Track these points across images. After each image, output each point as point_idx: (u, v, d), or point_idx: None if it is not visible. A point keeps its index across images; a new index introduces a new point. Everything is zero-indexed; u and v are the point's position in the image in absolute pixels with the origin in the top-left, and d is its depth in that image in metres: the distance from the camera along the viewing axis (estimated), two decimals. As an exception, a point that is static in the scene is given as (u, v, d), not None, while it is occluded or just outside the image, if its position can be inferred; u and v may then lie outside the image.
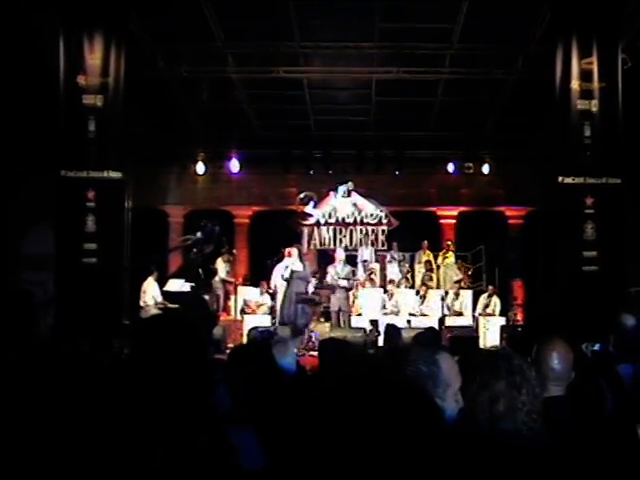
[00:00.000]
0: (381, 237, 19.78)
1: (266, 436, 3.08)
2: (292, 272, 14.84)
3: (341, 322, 15.13)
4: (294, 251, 15.48)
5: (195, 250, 11.59)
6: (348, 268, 15.73)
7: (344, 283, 15.28)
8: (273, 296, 16.32)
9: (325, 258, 19.02)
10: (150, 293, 14.62)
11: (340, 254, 16.14)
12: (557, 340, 3.54)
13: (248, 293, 17.09)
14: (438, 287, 17.77)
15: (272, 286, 16.38)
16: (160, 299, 14.39)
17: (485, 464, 1.95)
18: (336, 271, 15.47)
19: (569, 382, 3.43)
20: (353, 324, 15.29)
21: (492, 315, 16.31)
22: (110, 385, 2.24)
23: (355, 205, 19.87)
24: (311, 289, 15.28)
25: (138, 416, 1.99)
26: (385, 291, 16.86)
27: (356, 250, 18.91)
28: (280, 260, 16.07)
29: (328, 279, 15.59)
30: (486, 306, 16.57)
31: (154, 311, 13.61)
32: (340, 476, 1.26)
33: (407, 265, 18.27)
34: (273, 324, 15.19)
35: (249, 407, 3.36)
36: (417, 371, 2.92)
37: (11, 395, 2.32)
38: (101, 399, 2.25)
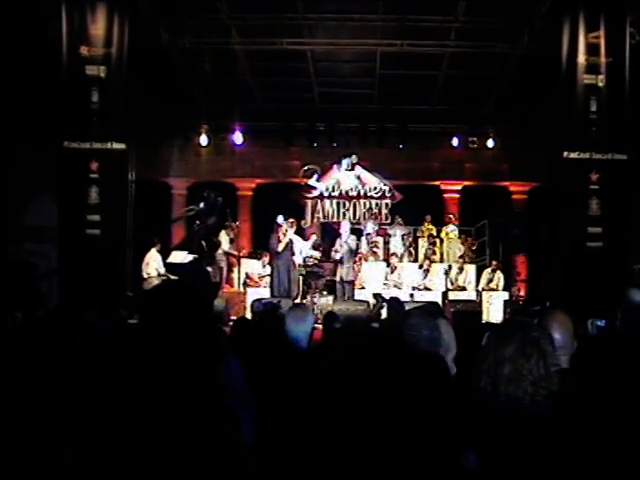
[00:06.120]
0: (384, 211, 19.75)
1: (264, 408, 3.07)
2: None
3: (345, 294, 15.14)
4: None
5: (198, 222, 11.59)
6: (354, 241, 15.75)
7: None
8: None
9: (329, 231, 19.00)
10: (153, 265, 14.59)
11: (346, 227, 16.16)
12: (557, 311, 3.63)
13: (250, 265, 17.08)
14: (441, 261, 17.76)
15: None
16: (163, 271, 14.38)
17: (485, 422, 1.96)
18: (341, 244, 15.50)
19: (572, 353, 3.47)
20: (356, 297, 15.28)
21: (495, 290, 16.31)
22: (114, 352, 2.22)
23: (359, 178, 19.81)
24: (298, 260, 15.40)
25: (143, 383, 1.98)
26: (388, 265, 16.83)
27: (360, 223, 18.90)
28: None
29: (334, 255, 15.64)
30: (489, 281, 16.57)
31: (157, 282, 13.61)
32: (348, 439, 1.25)
33: (410, 239, 18.25)
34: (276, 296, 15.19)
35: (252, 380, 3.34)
36: (419, 335, 3.08)
37: (14, 362, 2.31)
38: (102, 367, 2.24)
